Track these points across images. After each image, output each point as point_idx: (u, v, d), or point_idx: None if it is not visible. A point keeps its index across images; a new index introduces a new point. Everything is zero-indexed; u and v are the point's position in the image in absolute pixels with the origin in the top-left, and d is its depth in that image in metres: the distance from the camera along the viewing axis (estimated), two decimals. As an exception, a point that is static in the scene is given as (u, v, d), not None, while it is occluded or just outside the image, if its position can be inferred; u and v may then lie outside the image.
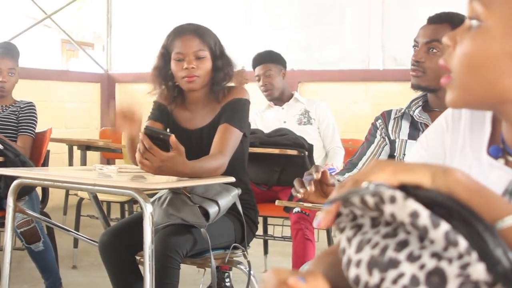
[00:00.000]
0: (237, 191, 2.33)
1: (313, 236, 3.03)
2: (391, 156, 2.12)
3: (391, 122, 2.14)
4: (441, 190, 0.71)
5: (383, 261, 0.69)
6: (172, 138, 2.00)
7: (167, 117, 2.50)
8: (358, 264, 0.72)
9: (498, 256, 0.64)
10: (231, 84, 2.48)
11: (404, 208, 0.67)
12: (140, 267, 2.25)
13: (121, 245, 2.26)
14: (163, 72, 2.44)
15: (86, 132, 6.37)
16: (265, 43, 4.95)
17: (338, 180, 1.90)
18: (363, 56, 5.80)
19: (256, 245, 3.29)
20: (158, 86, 2.49)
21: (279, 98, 3.77)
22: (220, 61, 2.40)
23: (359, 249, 0.72)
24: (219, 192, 2.27)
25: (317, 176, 1.58)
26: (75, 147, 4.03)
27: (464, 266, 0.65)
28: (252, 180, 3.09)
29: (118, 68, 6.97)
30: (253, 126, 2.99)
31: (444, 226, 0.65)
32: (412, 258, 0.68)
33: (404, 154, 2.07)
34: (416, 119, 2.07)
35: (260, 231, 3.06)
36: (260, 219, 3.09)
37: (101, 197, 3.42)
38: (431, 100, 2.09)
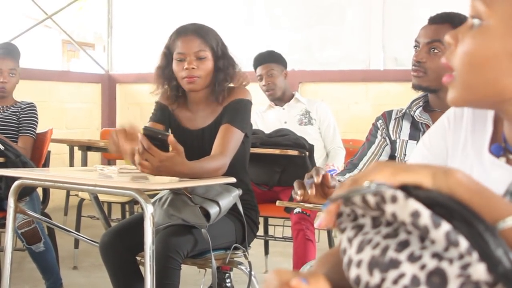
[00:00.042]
0: (237, 192, 2.33)
1: (314, 237, 3.03)
2: (392, 156, 2.12)
3: (392, 122, 2.14)
4: (442, 191, 0.71)
5: (384, 261, 0.69)
6: (170, 138, 2.00)
7: (169, 118, 2.50)
8: (359, 264, 0.72)
9: (499, 257, 0.64)
10: (233, 85, 2.48)
11: (405, 207, 0.67)
12: (141, 267, 2.25)
13: (122, 245, 2.26)
14: (166, 72, 2.44)
15: (87, 132, 6.37)
16: (265, 44, 4.95)
17: (339, 181, 1.90)
18: (364, 56, 5.80)
19: (256, 245, 3.29)
20: (161, 85, 2.49)
21: (281, 98, 3.77)
22: (222, 61, 2.40)
23: (360, 249, 0.72)
24: (220, 193, 2.27)
25: (317, 179, 1.58)
26: (75, 148, 4.02)
27: (465, 266, 0.65)
28: (253, 181, 3.09)
29: (119, 69, 6.97)
30: (253, 127, 2.99)
31: (445, 226, 0.65)
32: (412, 258, 0.68)
33: (405, 155, 2.07)
34: (417, 119, 2.07)
35: (261, 232, 3.06)
36: (261, 220, 3.09)
37: (102, 197, 3.42)
38: (432, 101, 2.09)
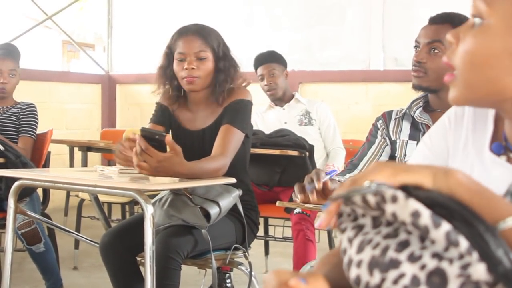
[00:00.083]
0: (238, 192, 2.33)
1: (314, 237, 3.03)
2: (392, 156, 2.12)
3: (392, 122, 2.14)
4: (442, 191, 0.71)
5: (384, 261, 0.69)
6: (168, 138, 2.00)
7: (169, 119, 2.50)
8: (359, 264, 0.72)
9: (499, 257, 0.64)
10: (233, 85, 2.47)
11: (406, 207, 0.68)
12: (141, 268, 2.25)
13: (122, 246, 2.26)
14: (167, 72, 2.44)
15: (87, 133, 6.37)
16: (265, 44, 4.95)
17: (339, 181, 1.90)
18: (364, 56, 5.80)
19: (257, 246, 3.29)
20: (162, 85, 2.49)
21: (281, 99, 3.77)
22: (223, 62, 2.40)
23: (360, 249, 0.72)
24: (220, 193, 2.27)
25: (319, 186, 1.59)
26: (76, 148, 4.02)
27: (465, 266, 0.65)
28: (253, 181, 3.09)
29: (119, 69, 6.97)
30: (254, 127, 2.99)
31: (445, 226, 0.65)
32: (413, 258, 0.68)
33: (405, 155, 2.07)
34: (417, 119, 2.07)
35: (261, 232, 3.06)
36: (261, 220, 3.09)
37: (102, 198, 3.42)
38: (432, 101, 2.09)
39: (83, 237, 2.98)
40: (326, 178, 1.63)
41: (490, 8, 0.84)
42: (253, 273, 2.35)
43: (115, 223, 2.97)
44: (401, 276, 0.68)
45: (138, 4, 6.85)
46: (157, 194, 2.41)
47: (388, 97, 5.47)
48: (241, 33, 6.01)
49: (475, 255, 0.64)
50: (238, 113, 2.37)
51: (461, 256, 0.65)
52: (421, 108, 2.09)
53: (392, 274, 0.68)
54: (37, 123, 3.38)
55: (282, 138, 3.24)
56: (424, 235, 0.68)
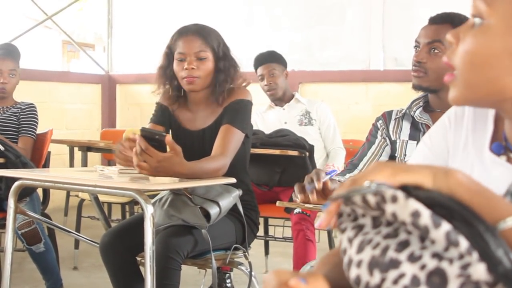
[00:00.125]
0: (238, 192, 2.33)
1: (314, 237, 3.03)
2: (392, 156, 2.12)
3: (392, 122, 2.14)
4: (442, 191, 0.71)
5: (384, 261, 0.69)
6: (168, 138, 2.00)
7: (169, 119, 2.50)
8: (359, 264, 0.72)
9: (499, 257, 0.64)
10: (233, 85, 2.47)
11: (406, 207, 0.68)
12: (141, 268, 2.25)
13: (122, 246, 2.26)
14: (167, 72, 2.44)
15: (87, 133, 6.37)
16: (265, 44, 4.95)
17: (339, 181, 1.90)
18: (364, 56, 5.80)
19: (257, 246, 3.29)
20: (162, 85, 2.49)
21: (281, 99, 3.77)
22: (223, 62, 2.40)
23: (360, 249, 0.72)
24: (220, 193, 2.27)
25: (319, 186, 1.59)
26: (76, 148, 4.03)
27: (465, 266, 0.65)
28: (253, 181, 3.09)
29: (119, 69, 6.97)
30: (254, 127, 2.99)
31: (445, 226, 0.65)
32: (413, 258, 0.68)
33: (405, 155, 2.07)
34: (417, 119, 2.07)
35: (261, 232, 3.06)
36: (261, 220, 3.09)
37: (102, 198, 3.42)
38: (432, 101, 2.09)
39: (83, 237, 2.98)
40: (326, 178, 1.63)
41: (490, 8, 0.84)
42: (253, 273, 2.35)
43: (115, 223, 2.97)
44: (401, 276, 0.68)
45: (138, 4, 6.85)
46: (157, 194, 2.41)
47: (388, 97, 5.47)
48: (241, 33, 6.01)
49: (475, 255, 0.64)
50: (238, 113, 2.37)
51: (461, 256, 0.65)
52: (421, 108, 2.09)
53: (392, 274, 0.68)
54: (37, 123, 3.38)
55: (282, 138, 3.24)
56: (424, 235, 0.68)
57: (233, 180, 2.21)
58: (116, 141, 4.33)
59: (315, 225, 3.04)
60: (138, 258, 2.30)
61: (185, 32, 2.39)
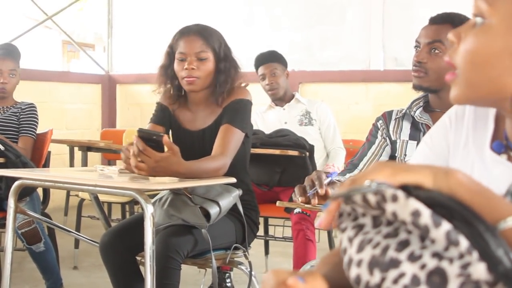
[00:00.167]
0: (238, 192, 2.33)
1: (314, 237, 3.03)
2: (392, 156, 2.12)
3: (392, 122, 2.14)
4: (442, 191, 0.71)
5: (384, 261, 0.69)
6: (165, 138, 2.00)
7: (169, 119, 2.50)
8: (359, 264, 0.72)
9: (499, 256, 0.64)
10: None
11: (406, 207, 0.68)
12: (141, 267, 2.25)
13: (122, 245, 2.26)
14: (168, 71, 2.44)
15: (87, 133, 6.38)
16: (265, 44, 4.95)
17: (339, 181, 1.90)
18: (364, 56, 5.80)
19: (257, 245, 3.30)
20: (163, 84, 2.49)
21: (282, 98, 3.77)
22: (224, 63, 2.40)
23: (360, 249, 0.72)
24: (220, 193, 2.27)
25: (321, 191, 1.59)
26: (76, 148, 4.03)
27: (465, 266, 0.65)
28: (253, 181, 3.09)
29: (119, 69, 6.97)
30: (254, 127, 3.00)
31: (446, 225, 0.65)
32: (413, 258, 0.68)
33: (405, 155, 2.07)
34: (417, 119, 2.07)
35: (261, 232, 3.06)
36: (261, 220, 3.09)
37: (102, 198, 3.42)
38: (432, 101, 2.09)
39: (83, 237, 2.98)
40: (327, 180, 1.63)
41: (492, 8, 0.84)
42: (253, 272, 2.35)
43: (115, 223, 2.98)
44: (401, 275, 0.68)
45: (138, 4, 6.85)
46: (157, 194, 2.41)
47: (388, 97, 5.47)
48: (241, 33, 6.01)
49: (475, 255, 0.64)
50: (238, 112, 2.37)
51: (461, 256, 0.65)
52: (421, 108, 2.09)
53: (392, 273, 0.68)
54: (37, 123, 3.38)
55: (282, 138, 3.24)
56: (424, 235, 0.68)
57: (233, 180, 2.22)
58: (116, 141, 4.34)
59: (315, 225, 3.04)
60: (138, 258, 2.30)
61: (186, 32, 2.39)
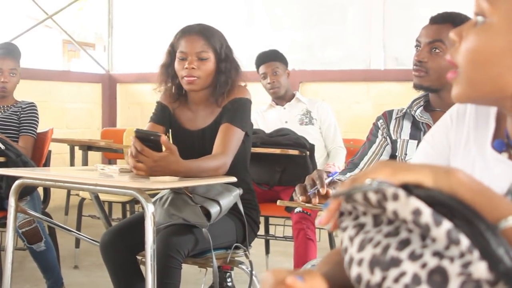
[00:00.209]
0: (238, 191, 2.33)
1: (315, 236, 3.03)
2: (393, 156, 2.12)
3: (393, 122, 2.14)
4: (443, 190, 0.71)
5: (385, 260, 0.69)
6: (163, 138, 2.00)
7: (169, 119, 2.50)
8: (360, 262, 0.72)
9: (500, 255, 0.64)
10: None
11: (407, 205, 0.68)
12: (142, 267, 2.25)
13: (122, 245, 2.26)
14: (169, 70, 2.44)
15: (87, 132, 6.38)
16: (266, 43, 4.94)
17: (339, 180, 1.90)
18: (365, 56, 5.80)
19: (257, 245, 3.29)
20: (164, 83, 2.49)
21: (282, 98, 3.77)
22: (224, 64, 2.40)
23: (361, 248, 0.72)
24: (220, 192, 2.27)
25: (322, 191, 1.60)
26: (76, 147, 4.03)
27: (466, 265, 0.65)
28: (254, 180, 3.09)
29: (119, 69, 6.97)
30: (254, 126, 2.99)
31: (446, 224, 0.65)
32: (413, 256, 0.68)
33: (406, 154, 2.07)
34: (417, 119, 2.07)
35: (261, 231, 3.06)
36: (262, 219, 3.09)
37: (102, 197, 3.43)
38: (433, 100, 2.09)
39: (83, 236, 2.98)
40: (328, 180, 1.63)
41: (493, 7, 0.84)
42: (253, 272, 2.35)
43: (116, 222, 2.98)
44: (402, 274, 0.68)
45: (139, 4, 6.85)
46: (157, 193, 2.42)
47: (389, 97, 5.47)
48: (241, 33, 6.01)
49: (476, 254, 0.64)
50: (237, 111, 2.37)
51: (462, 255, 0.65)
52: (421, 107, 2.09)
53: (393, 272, 0.68)
54: (37, 122, 3.39)
55: (283, 137, 3.24)
56: (425, 234, 0.68)
57: (233, 179, 2.21)
58: (117, 141, 4.34)
59: (316, 223, 3.04)
60: (139, 257, 2.30)
61: (188, 32, 2.39)
